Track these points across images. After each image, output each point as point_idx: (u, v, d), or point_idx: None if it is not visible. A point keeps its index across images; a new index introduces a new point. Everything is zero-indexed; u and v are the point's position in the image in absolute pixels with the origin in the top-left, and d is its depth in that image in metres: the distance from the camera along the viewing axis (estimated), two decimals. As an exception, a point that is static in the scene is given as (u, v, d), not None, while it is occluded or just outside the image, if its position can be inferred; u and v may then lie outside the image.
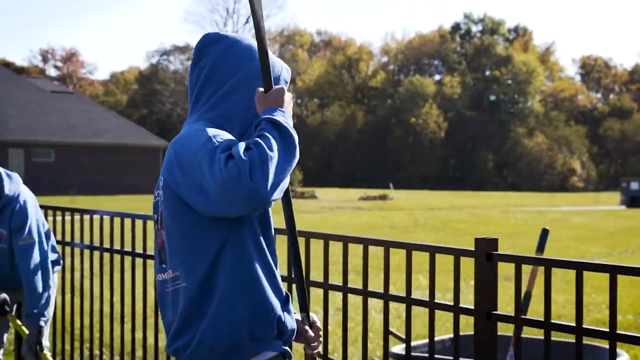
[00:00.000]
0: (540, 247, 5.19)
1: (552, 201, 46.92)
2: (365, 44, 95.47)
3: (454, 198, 48.45)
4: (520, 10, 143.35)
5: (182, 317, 2.62)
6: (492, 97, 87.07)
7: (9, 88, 48.44)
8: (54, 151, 46.89)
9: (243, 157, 2.34)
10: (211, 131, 2.52)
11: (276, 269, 2.72)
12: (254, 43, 2.75)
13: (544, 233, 5.22)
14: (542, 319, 3.43)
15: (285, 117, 2.53)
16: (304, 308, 2.89)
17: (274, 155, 2.38)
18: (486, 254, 3.59)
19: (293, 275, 2.90)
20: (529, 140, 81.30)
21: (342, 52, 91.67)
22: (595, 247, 19.19)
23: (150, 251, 5.30)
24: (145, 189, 47.82)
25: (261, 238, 2.67)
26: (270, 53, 2.72)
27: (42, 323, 4.84)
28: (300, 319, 2.90)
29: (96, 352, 5.93)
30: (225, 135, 2.52)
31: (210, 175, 2.38)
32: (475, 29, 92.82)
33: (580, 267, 3.31)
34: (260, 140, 2.39)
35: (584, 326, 3.29)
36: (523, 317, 3.52)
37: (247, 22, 78.58)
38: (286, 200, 2.80)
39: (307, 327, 2.88)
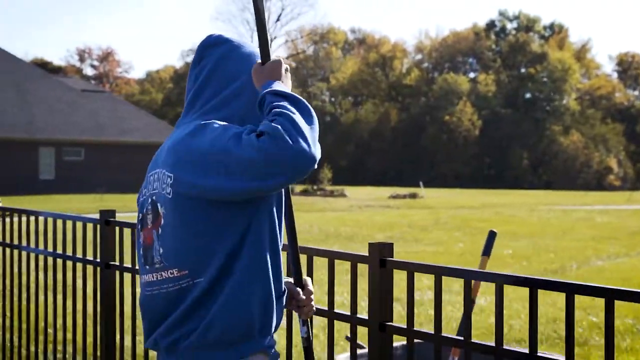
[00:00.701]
0: (486, 251, 4.89)
1: (583, 200, 46.19)
2: (399, 41, 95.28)
3: (485, 196, 47.89)
4: (556, 7, 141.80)
5: (188, 307, 2.52)
6: (527, 95, 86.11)
7: (40, 87, 48.74)
8: (84, 150, 47.11)
9: (275, 126, 2.30)
10: (221, 122, 2.49)
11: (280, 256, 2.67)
12: (256, 50, 2.73)
13: (491, 235, 4.93)
14: (432, 332, 3.16)
15: (285, 87, 2.50)
16: (297, 270, 2.79)
17: (299, 117, 2.34)
18: (379, 260, 3.32)
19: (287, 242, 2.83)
20: (564, 139, 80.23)
21: (376, 50, 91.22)
22: (615, 247, 18.73)
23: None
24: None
25: (277, 225, 2.62)
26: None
27: None
28: (292, 281, 2.85)
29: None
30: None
31: (247, 154, 2.32)
32: (510, 26, 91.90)
33: (470, 276, 3.04)
34: (278, 110, 2.35)
35: (473, 340, 3.02)
36: (416, 329, 3.24)
37: (278, 19, 78.60)
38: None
39: (298, 290, 2.81)
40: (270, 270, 2.57)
